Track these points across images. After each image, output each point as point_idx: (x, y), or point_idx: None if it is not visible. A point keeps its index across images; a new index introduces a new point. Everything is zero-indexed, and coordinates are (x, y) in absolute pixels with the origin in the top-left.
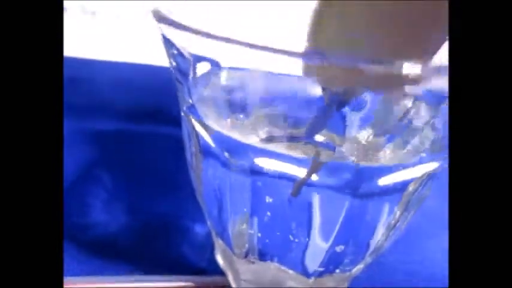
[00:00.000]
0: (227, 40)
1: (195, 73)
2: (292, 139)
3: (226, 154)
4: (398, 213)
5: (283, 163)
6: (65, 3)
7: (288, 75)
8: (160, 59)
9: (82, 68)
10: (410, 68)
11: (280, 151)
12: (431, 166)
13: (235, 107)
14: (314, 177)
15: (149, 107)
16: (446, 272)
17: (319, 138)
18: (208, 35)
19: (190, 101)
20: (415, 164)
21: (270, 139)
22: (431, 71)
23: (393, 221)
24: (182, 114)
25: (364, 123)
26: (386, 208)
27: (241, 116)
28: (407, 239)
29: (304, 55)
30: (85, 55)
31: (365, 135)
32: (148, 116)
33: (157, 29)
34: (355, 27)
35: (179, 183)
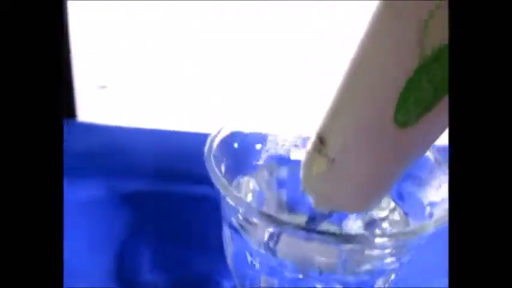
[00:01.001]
0: None
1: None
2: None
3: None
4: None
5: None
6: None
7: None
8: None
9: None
10: None
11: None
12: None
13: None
14: None
15: (179, 169)
16: None
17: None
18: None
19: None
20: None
21: (277, 235)
22: None
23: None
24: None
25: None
26: (380, 281)
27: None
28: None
29: None
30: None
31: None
32: (178, 178)
33: None
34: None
35: (208, 244)
